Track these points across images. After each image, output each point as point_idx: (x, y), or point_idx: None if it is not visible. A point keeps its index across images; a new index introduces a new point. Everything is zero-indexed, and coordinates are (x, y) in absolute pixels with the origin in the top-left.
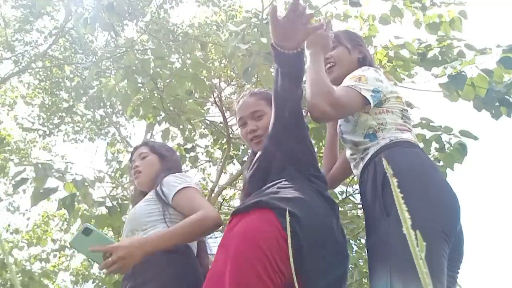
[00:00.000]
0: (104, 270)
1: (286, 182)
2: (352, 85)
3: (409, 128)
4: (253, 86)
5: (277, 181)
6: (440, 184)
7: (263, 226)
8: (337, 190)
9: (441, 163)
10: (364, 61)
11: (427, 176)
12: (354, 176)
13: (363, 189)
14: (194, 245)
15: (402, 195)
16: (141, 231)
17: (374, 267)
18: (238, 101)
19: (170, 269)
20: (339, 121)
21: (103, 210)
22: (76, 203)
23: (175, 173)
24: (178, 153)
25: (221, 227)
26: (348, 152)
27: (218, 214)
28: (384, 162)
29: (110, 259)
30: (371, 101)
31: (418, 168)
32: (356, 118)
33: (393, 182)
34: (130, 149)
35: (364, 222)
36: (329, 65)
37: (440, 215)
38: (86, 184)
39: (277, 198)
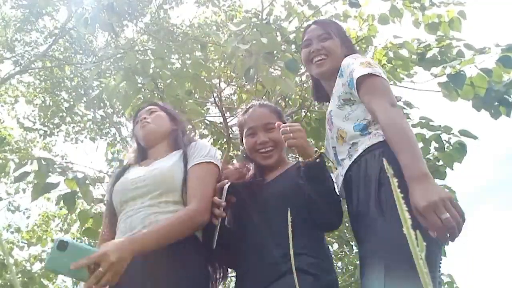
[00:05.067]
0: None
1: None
2: (372, 73)
3: None
4: (254, 86)
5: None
6: None
7: None
8: None
9: (441, 162)
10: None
11: None
12: None
13: (349, 186)
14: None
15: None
16: (171, 193)
17: (369, 265)
18: (247, 110)
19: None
20: (330, 107)
21: (101, 209)
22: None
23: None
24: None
25: None
26: (331, 152)
27: (208, 212)
28: (385, 162)
29: (100, 269)
30: None
31: None
32: (355, 107)
33: (394, 182)
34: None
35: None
36: (319, 57)
37: None
38: (87, 182)
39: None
